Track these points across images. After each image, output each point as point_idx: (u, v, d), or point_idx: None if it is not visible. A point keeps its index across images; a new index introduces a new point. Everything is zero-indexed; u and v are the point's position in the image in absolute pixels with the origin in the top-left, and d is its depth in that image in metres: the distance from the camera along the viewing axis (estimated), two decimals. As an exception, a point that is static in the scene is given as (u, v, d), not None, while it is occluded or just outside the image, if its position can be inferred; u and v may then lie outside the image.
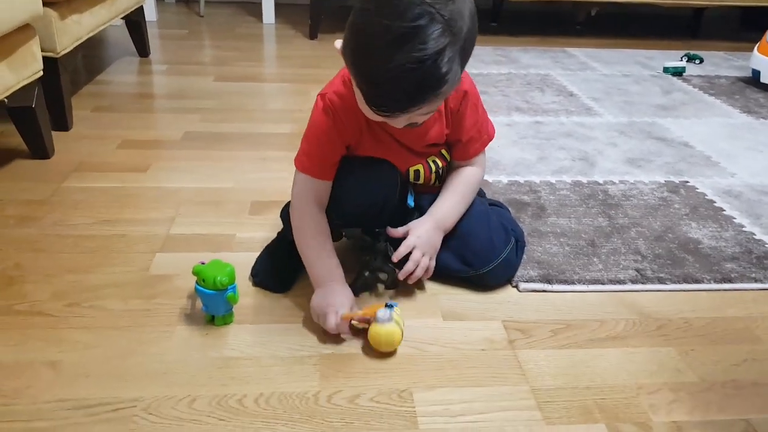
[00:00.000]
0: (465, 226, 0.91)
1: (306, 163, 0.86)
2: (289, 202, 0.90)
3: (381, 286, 0.92)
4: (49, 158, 1.32)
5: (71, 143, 1.41)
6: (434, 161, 0.93)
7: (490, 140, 0.94)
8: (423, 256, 0.86)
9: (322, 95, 0.84)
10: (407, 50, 0.64)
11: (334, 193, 0.87)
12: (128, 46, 2.17)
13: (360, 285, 0.90)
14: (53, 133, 1.37)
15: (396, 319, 0.78)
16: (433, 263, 0.88)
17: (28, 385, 0.72)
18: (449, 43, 0.66)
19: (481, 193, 1.05)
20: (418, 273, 0.86)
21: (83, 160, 1.33)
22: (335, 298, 0.80)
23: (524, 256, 0.99)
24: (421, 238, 0.86)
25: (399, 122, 0.75)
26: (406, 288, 0.91)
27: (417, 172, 0.92)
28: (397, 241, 0.87)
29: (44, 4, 1.27)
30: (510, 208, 1.14)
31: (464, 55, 0.70)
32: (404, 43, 0.64)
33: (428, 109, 0.73)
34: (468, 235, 0.90)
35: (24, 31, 1.22)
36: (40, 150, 1.32)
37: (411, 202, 0.92)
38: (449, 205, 0.90)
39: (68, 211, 1.11)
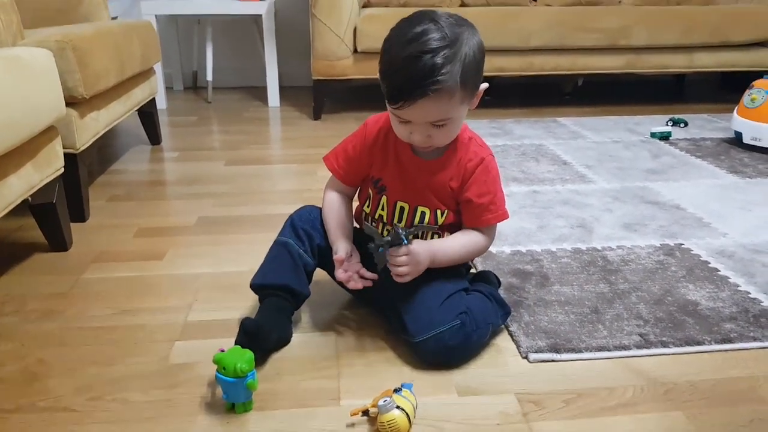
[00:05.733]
0: (416, 295, 0.96)
1: (330, 158, 1.07)
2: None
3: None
4: (67, 250, 1.38)
5: (89, 234, 1.47)
6: (423, 212, 1.00)
7: (504, 219, 1.01)
8: (406, 266, 0.93)
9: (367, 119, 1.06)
10: (414, 47, 0.84)
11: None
12: (140, 135, 2.28)
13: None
14: (71, 224, 1.43)
15: (402, 404, 0.80)
16: (408, 278, 0.94)
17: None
18: (447, 47, 0.85)
19: (491, 281, 1.10)
20: (393, 269, 0.94)
21: (101, 250, 1.38)
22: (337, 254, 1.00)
23: (532, 326, 1.03)
24: (417, 253, 0.94)
25: (418, 130, 0.91)
26: (422, 367, 0.95)
27: (402, 208, 1.01)
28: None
29: (66, 104, 1.37)
30: (515, 279, 1.19)
31: (465, 71, 0.86)
32: (413, 41, 0.85)
33: (436, 111, 0.88)
34: (414, 303, 0.96)
35: (48, 132, 1.31)
36: (59, 243, 1.38)
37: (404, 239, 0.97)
38: (448, 247, 0.99)
39: (89, 302, 1.16)
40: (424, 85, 0.84)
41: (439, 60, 0.84)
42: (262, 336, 0.94)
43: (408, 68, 0.84)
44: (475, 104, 0.95)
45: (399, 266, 0.93)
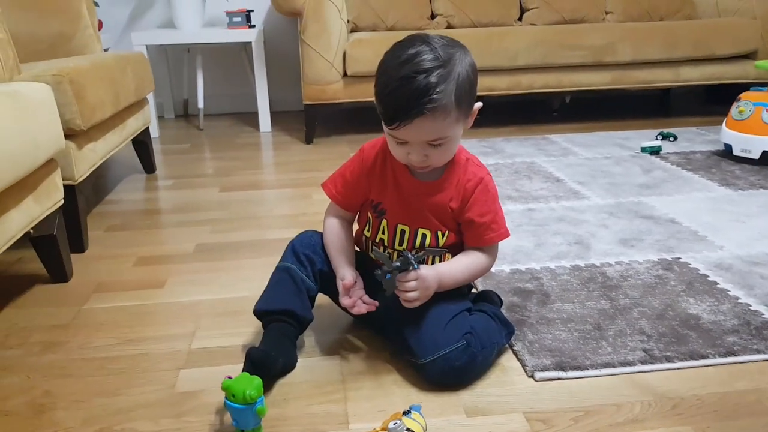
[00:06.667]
0: (420, 317, 0.96)
1: (329, 184, 1.08)
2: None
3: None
4: (68, 281, 1.37)
5: (88, 264, 1.46)
6: (423, 234, 1.00)
7: (506, 237, 1.02)
8: (415, 291, 0.94)
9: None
10: (408, 67, 0.86)
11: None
12: (134, 164, 2.28)
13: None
14: (70, 255, 1.43)
15: (412, 426, 0.80)
16: (417, 303, 0.95)
17: None
18: (441, 66, 0.87)
19: (493, 300, 1.11)
20: (402, 295, 0.95)
21: (101, 280, 1.38)
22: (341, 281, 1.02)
23: (536, 345, 1.04)
24: (426, 278, 0.94)
25: (415, 150, 0.92)
26: (428, 388, 0.95)
27: (403, 231, 1.01)
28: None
29: (64, 136, 1.37)
30: (516, 298, 1.20)
31: (459, 90, 0.88)
32: (406, 63, 0.87)
33: (432, 130, 0.89)
34: (419, 326, 0.96)
35: (47, 164, 1.31)
36: (59, 274, 1.37)
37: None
38: (454, 270, 1.00)
39: (91, 333, 1.15)
40: (420, 104, 0.86)
41: (433, 79, 0.86)
42: (269, 364, 0.94)
43: (403, 88, 0.86)
44: (470, 123, 0.97)
45: (408, 291, 0.94)
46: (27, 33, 1.91)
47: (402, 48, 0.89)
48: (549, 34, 2.61)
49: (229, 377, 0.85)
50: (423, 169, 0.97)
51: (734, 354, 1.01)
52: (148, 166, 2.26)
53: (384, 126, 0.93)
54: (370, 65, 2.45)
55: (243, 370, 0.91)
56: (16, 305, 1.27)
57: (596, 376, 0.97)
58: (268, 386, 0.95)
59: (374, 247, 1.05)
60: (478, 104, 0.96)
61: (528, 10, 2.93)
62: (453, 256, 1.03)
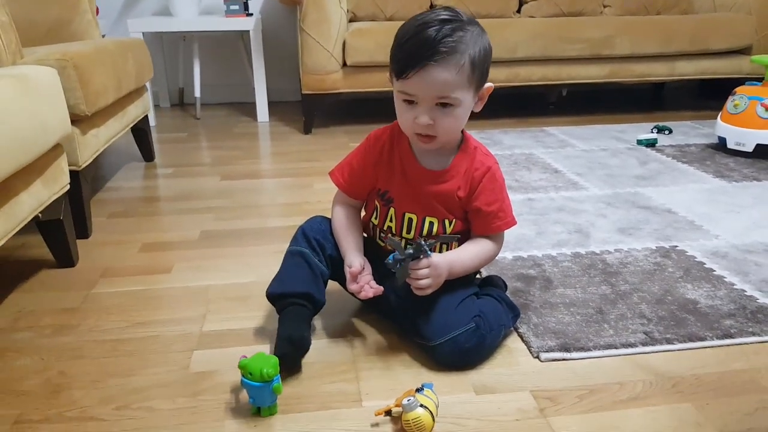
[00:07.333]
0: (430, 301, 0.98)
1: (336, 172, 1.10)
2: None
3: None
4: (74, 266, 1.38)
5: (93, 250, 1.47)
6: (431, 222, 1.02)
7: (513, 225, 1.05)
8: (427, 279, 0.95)
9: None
10: (425, 22, 0.89)
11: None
12: (132, 152, 2.29)
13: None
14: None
15: (425, 402, 0.83)
16: (429, 291, 0.97)
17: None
18: (458, 23, 0.90)
19: (498, 285, 1.13)
20: (414, 283, 0.96)
21: (107, 265, 1.39)
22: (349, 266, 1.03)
23: (540, 327, 1.07)
24: (438, 265, 0.96)
25: (423, 110, 0.92)
26: (437, 368, 0.98)
27: (411, 219, 1.03)
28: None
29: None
30: (519, 284, 1.22)
31: (474, 50, 0.90)
32: (425, 17, 0.91)
33: (442, 81, 0.89)
34: (429, 308, 0.98)
35: (54, 149, 1.32)
36: (66, 259, 1.38)
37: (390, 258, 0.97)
38: (463, 257, 1.01)
39: (102, 316, 1.16)
40: (432, 49, 0.87)
41: (448, 28, 0.88)
42: (306, 345, 0.97)
43: (418, 35, 0.89)
44: (480, 107, 0.97)
45: (420, 279, 0.95)
46: (25, 18, 1.90)
47: (422, 13, 0.93)
48: (547, 26, 2.63)
49: (245, 356, 0.87)
50: (428, 143, 0.95)
51: (731, 336, 1.04)
52: (147, 155, 2.26)
53: (394, 84, 0.94)
54: (370, 55, 2.47)
55: (275, 353, 0.92)
56: (23, 290, 1.28)
57: (599, 357, 1.00)
58: (292, 366, 0.97)
59: (389, 235, 1.06)
60: (490, 85, 0.96)
61: (527, 2, 2.95)
62: (460, 243, 1.06)
